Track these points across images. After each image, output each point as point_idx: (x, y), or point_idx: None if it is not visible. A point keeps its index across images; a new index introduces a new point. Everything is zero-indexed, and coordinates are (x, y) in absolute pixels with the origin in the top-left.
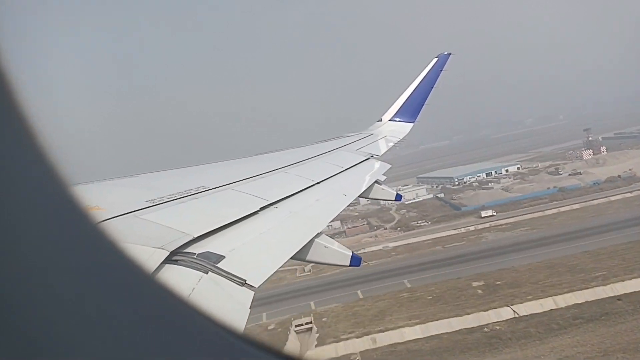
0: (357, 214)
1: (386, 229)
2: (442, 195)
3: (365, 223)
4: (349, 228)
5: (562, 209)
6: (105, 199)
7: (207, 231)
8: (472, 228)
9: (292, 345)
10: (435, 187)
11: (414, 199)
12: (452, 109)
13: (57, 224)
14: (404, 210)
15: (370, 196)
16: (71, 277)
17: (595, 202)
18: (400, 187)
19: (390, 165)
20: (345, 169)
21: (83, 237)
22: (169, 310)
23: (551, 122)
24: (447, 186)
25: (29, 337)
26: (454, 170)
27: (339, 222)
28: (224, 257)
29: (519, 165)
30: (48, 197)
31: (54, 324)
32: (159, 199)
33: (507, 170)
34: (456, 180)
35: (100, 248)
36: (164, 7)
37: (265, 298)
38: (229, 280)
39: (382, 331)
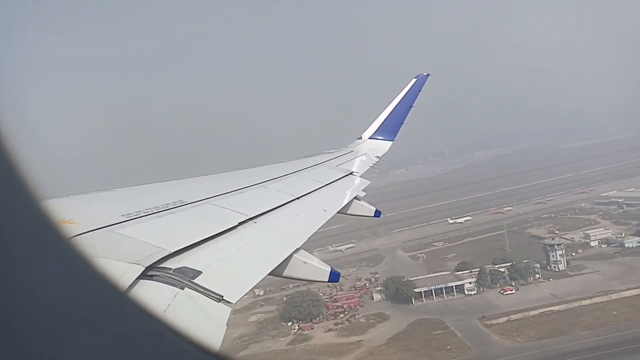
0: None
1: None
2: None
3: None
4: None
5: None
6: (80, 213)
7: (184, 246)
8: None
9: None
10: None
11: None
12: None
13: (28, 238)
14: None
15: (349, 212)
16: (42, 292)
17: None
18: None
19: (370, 182)
20: (325, 185)
21: (53, 252)
22: (142, 327)
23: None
24: None
25: (5, 351)
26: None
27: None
28: (201, 272)
29: None
30: (19, 211)
31: (26, 338)
32: (135, 213)
33: None
34: None
35: (72, 263)
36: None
37: None
38: (205, 296)
39: None
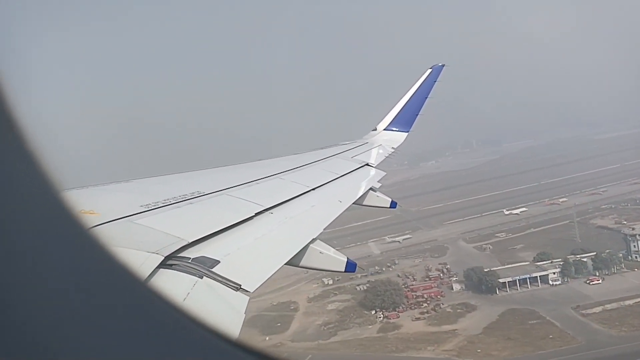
0: None
1: None
2: None
3: None
4: None
5: None
6: (100, 204)
7: (202, 236)
8: None
9: None
10: None
11: None
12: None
13: (49, 228)
14: None
15: (365, 203)
16: (62, 282)
17: None
18: None
19: (385, 173)
20: (341, 176)
21: (74, 242)
22: (161, 316)
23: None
24: None
25: (22, 342)
26: None
27: None
28: (219, 261)
29: None
30: (40, 202)
31: (46, 329)
32: (154, 204)
33: None
34: None
35: (92, 253)
36: (150, 13)
37: None
38: (223, 285)
39: None
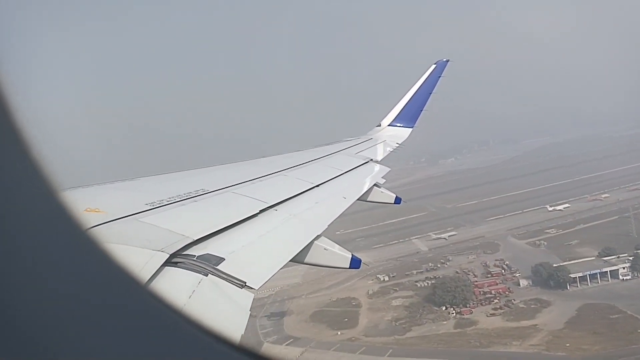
0: None
1: None
2: None
3: None
4: None
5: None
6: (105, 202)
7: (207, 234)
8: None
9: None
10: None
11: None
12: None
13: (47, 229)
14: None
15: (369, 199)
16: (61, 282)
17: None
18: None
19: (390, 169)
20: (345, 172)
21: (73, 243)
22: (160, 317)
23: None
24: None
25: (21, 342)
26: None
27: None
28: (224, 259)
29: None
30: (38, 202)
31: (45, 330)
32: (159, 202)
33: None
34: None
35: (90, 253)
36: (157, 8)
37: None
38: (229, 283)
39: None
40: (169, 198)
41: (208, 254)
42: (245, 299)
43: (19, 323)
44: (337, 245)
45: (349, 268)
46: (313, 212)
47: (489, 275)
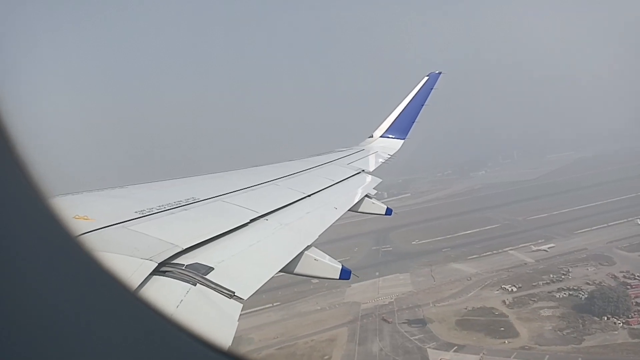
0: None
1: None
2: None
3: None
4: None
5: None
6: (94, 209)
7: (196, 243)
8: None
9: None
10: None
11: None
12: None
13: (36, 235)
14: None
15: (360, 210)
16: (49, 289)
17: None
18: None
19: (381, 180)
20: (336, 183)
21: (62, 249)
22: (150, 324)
23: None
24: None
25: (10, 351)
26: None
27: None
28: (213, 268)
29: None
30: (27, 208)
31: (33, 337)
32: (148, 210)
33: None
34: None
35: (79, 260)
36: (150, 16)
37: None
38: (217, 292)
39: None
40: (159, 206)
41: (197, 263)
42: (234, 308)
43: (6, 332)
44: (328, 256)
45: (339, 279)
46: (304, 222)
47: (629, 287)
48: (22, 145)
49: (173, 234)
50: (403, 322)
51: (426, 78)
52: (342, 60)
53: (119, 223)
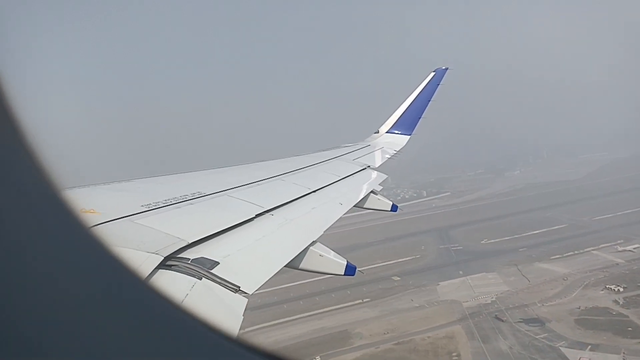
0: None
1: None
2: None
3: None
4: None
5: None
6: (100, 203)
7: (202, 237)
8: None
9: None
10: None
11: None
12: None
13: (49, 227)
14: None
15: (365, 206)
16: (63, 281)
17: None
18: None
19: (387, 176)
20: (342, 178)
21: (75, 241)
22: (162, 315)
23: None
24: None
25: (22, 342)
26: None
27: None
28: (219, 263)
29: None
30: (40, 201)
31: (46, 329)
32: (154, 204)
33: None
34: None
35: (92, 252)
36: (162, 13)
37: None
38: (222, 287)
39: None
40: (165, 200)
41: (203, 257)
42: (239, 303)
43: (19, 323)
44: (333, 252)
45: (344, 275)
46: (309, 217)
47: None
48: (34, 139)
49: (179, 228)
50: (518, 321)
51: (432, 74)
52: (349, 57)
53: (125, 217)
